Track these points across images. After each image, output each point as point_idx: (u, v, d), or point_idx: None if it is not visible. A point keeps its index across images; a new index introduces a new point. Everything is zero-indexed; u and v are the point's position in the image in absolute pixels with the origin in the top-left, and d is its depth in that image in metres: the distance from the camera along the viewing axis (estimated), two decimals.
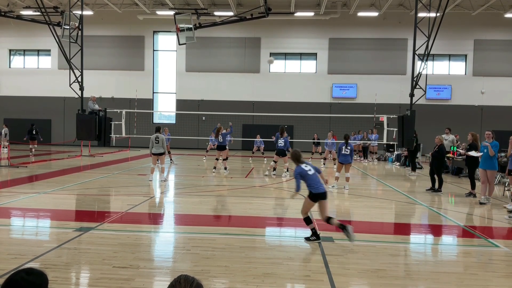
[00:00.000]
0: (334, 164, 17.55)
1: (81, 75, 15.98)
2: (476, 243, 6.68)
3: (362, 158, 22.52)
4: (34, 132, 21.09)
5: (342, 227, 6.16)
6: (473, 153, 11.06)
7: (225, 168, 14.99)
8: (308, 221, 6.44)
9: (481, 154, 10.38)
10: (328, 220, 6.34)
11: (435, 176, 11.84)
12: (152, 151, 12.65)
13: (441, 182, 11.70)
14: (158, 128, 13.00)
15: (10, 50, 29.90)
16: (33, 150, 20.64)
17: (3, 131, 22.09)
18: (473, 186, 11.14)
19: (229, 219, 8.17)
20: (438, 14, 14.68)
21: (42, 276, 1.96)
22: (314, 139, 21.99)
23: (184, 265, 5.20)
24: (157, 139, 12.58)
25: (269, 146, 20.45)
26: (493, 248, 6.37)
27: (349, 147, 11.99)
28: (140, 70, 28.81)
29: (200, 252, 5.71)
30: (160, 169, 12.87)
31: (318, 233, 6.42)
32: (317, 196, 6.29)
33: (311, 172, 6.39)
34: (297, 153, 6.53)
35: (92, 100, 16.14)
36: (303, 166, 6.42)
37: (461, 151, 14.24)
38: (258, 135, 21.38)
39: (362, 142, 22.24)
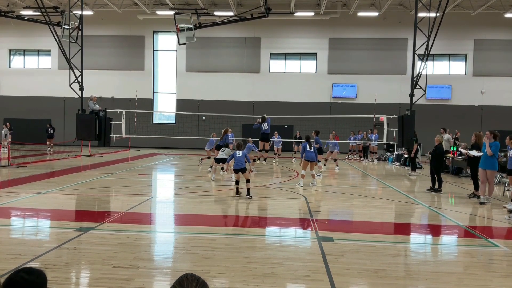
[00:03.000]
0: (337, 165, 17.64)
1: (81, 75, 15.99)
2: (476, 243, 6.68)
3: (362, 158, 22.53)
4: (51, 131, 22.92)
5: (247, 192, 9.90)
6: (473, 153, 11.04)
7: (222, 169, 15.02)
8: (237, 182, 10.25)
9: (481, 154, 10.36)
10: (237, 183, 10.23)
11: (436, 175, 11.82)
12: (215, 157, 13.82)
13: (440, 182, 11.68)
14: (240, 145, 13.53)
15: (10, 50, 29.91)
16: (50, 148, 22.38)
17: (3, 131, 22.13)
18: (476, 187, 10.96)
19: (229, 219, 8.17)
20: (438, 14, 14.68)
21: (42, 276, 1.97)
22: (296, 137, 21.39)
23: (184, 265, 5.20)
24: (222, 149, 13.40)
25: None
26: (493, 248, 6.36)
27: (313, 146, 12.49)
28: (140, 70, 28.81)
29: (200, 252, 5.71)
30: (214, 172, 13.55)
31: (239, 192, 10.09)
32: (236, 170, 10.14)
33: (239, 155, 10.21)
34: (239, 144, 10.70)
35: (92, 100, 16.15)
36: (237, 151, 10.39)
37: (462, 150, 14.23)
38: (276, 132, 20.70)
39: (362, 142, 22.25)
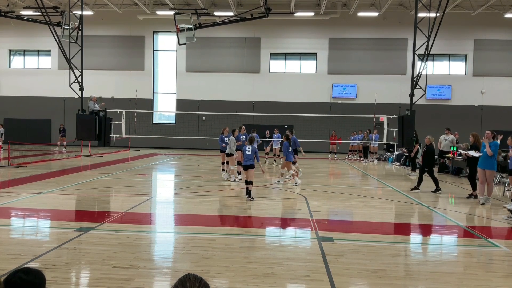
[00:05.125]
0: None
1: (81, 75, 15.98)
2: (476, 243, 6.68)
3: (362, 158, 22.53)
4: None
5: (248, 192, 9.66)
6: (472, 153, 11.04)
7: (223, 170, 14.84)
8: (247, 182, 9.79)
9: (480, 154, 10.36)
10: (247, 183, 9.76)
11: (429, 176, 11.79)
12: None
13: (435, 181, 11.66)
14: (233, 130, 13.21)
15: (10, 50, 29.89)
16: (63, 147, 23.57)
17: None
18: (473, 187, 11.02)
19: (229, 219, 8.17)
20: (438, 14, 14.68)
21: (40, 275, 1.96)
22: (266, 136, 20.40)
23: (184, 265, 5.20)
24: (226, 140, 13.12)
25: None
26: (493, 248, 6.37)
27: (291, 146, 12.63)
28: (140, 70, 28.80)
29: (200, 252, 5.71)
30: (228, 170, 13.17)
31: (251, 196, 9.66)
32: (245, 166, 9.87)
33: (249, 152, 9.92)
34: (252, 138, 10.24)
35: (92, 100, 16.15)
36: (247, 146, 10.05)
37: (461, 151, 14.22)
38: (276, 129, 19.87)
39: (362, 142, 22.24)
